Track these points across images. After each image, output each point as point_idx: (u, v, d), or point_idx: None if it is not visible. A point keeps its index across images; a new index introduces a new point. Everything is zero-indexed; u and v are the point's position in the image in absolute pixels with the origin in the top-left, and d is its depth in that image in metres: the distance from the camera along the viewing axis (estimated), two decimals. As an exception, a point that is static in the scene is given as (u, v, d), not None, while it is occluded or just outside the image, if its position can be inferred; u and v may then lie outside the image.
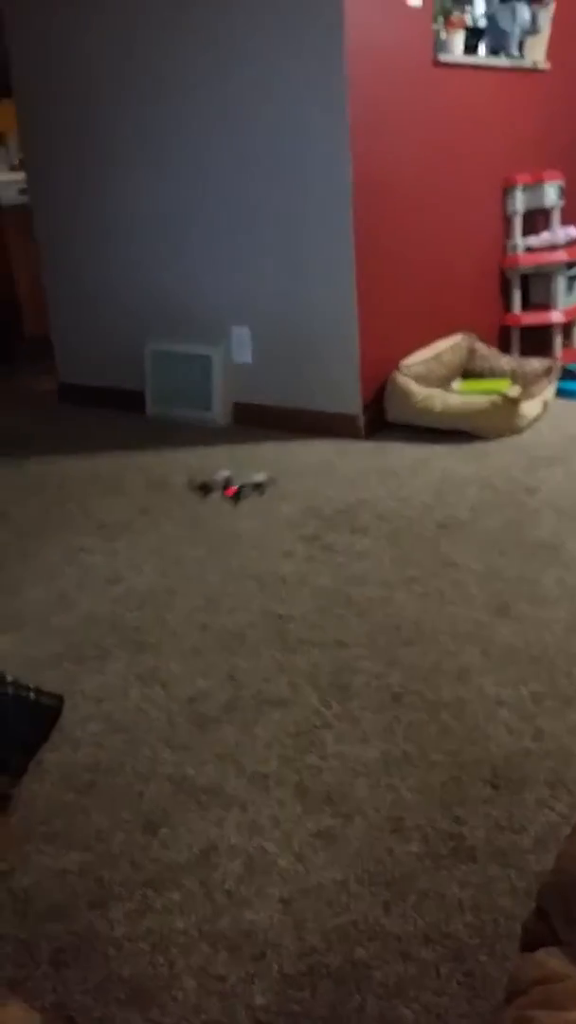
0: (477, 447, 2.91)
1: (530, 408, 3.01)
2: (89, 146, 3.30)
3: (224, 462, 2.95)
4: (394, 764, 1.50)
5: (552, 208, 3.71)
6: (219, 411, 3.33)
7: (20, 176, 4.22)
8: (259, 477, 2.71)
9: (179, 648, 1.89)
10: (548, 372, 3.24)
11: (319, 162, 2.80)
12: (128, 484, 2.83)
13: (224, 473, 2.74)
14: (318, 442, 3.09)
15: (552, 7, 3.48)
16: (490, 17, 3.36)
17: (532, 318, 3.67)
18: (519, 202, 3.55)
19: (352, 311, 2.93)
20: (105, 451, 3.15)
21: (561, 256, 3.55)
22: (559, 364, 3.37)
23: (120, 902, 1.28)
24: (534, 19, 3.43)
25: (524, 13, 3.37)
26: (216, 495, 2.66)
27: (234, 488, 2.65)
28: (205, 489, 2.68)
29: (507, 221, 3.60)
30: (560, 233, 3.63)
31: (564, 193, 3.76)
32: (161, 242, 3.29)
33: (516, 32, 3.36)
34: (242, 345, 3.23)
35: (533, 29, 3.44)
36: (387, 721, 1.61)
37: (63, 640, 1.95)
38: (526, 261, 3.59)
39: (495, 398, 2.92)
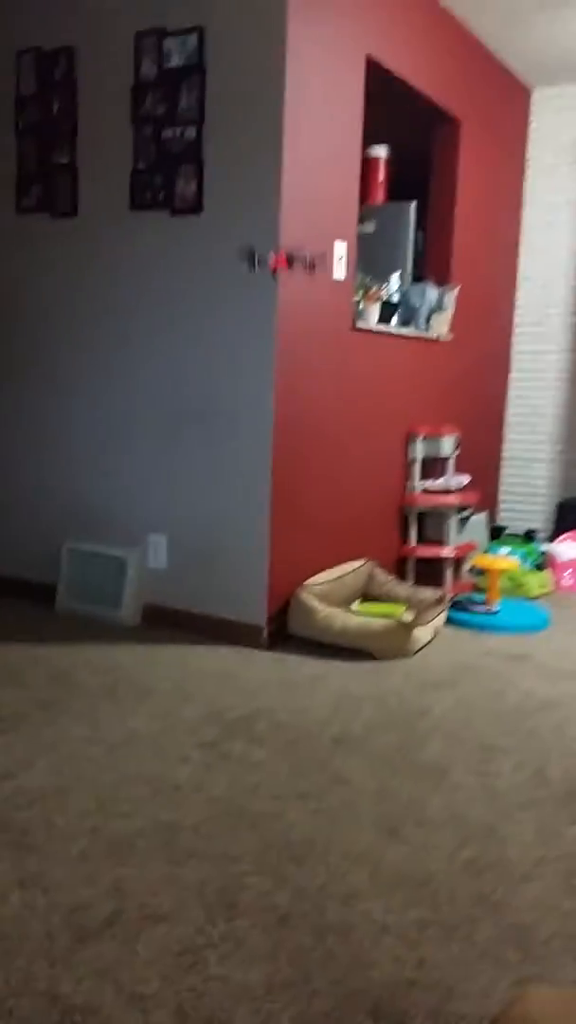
0: (372, 666, 3.04)
1: (422, 634, 3.20)
2: (27, 356, 3.55)
3: (128, 660, 2.98)
4: (277, 990, 1.48)
5: (448, 457, 4.12)
6: (129, 611, 3.40)
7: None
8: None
9: (66, 853, 1.85)
10: (439, 601, 3.47)
11: (246, 400, 3.10)
12: (29, 677, 2.82)
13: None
14: (223, 649, 3.18)
15: (456, 289, 4.06)
16: (403, 294, 3.89)
17: (426, 551, 3.97)
18: (419, 450, 3.95)
19: (265, 530, 3.13)
20: (9, 642, 3.14)
21: (453, 500, 3.91)
22: (449, 595, 3.62)
23: None
24: (441, 298, 3.98)
25: (432, 293, 3.92)
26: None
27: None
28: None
29: (408, 465, 3.98)
30: (453, 480, 4.03)
31: (459, 445, 4.21)
32: (89, 449, 3.48)
33: (424, 309, 3.88)
34: (158, 551, 3.37)
35: (439, 307, 3.98)
36: (272, 943, 1.60)
37: (-55, 836, 1.88)
38: (423, 501, 3.94)
39: (390, 622, 3.10)
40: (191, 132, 3.06)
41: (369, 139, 3.96)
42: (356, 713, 2.63)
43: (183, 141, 3.08)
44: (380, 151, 4.21)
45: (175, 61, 3.06)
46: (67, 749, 2.32)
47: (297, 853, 1.88)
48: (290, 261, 2.72)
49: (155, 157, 3.14)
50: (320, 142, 3.08)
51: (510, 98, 4.53)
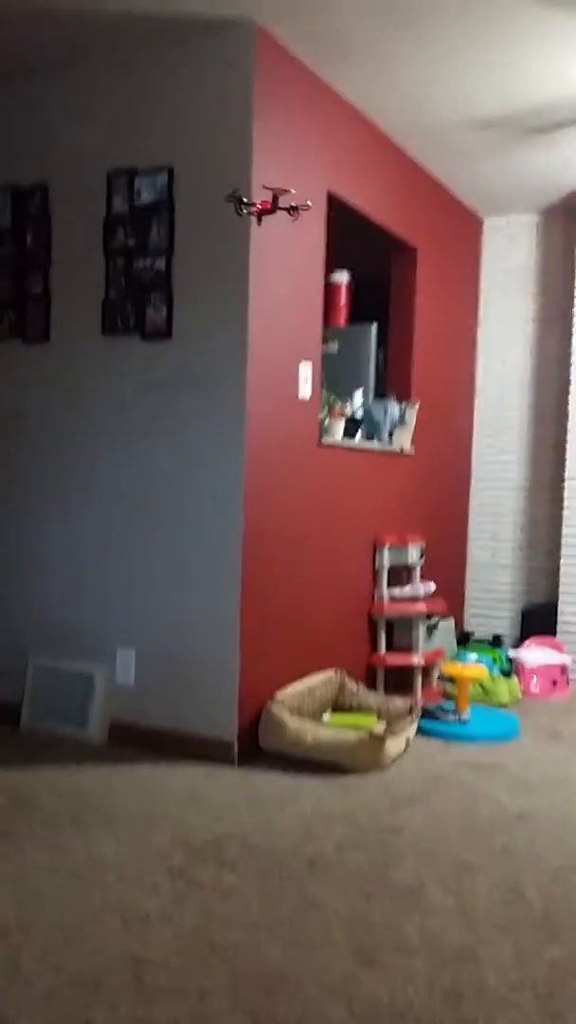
0: (344, 782, 3.01)
1: (394, 746, 3.18)
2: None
3: (93, 782, 2.93)
4: None
5: (414, 566, 4.20)
6: (95, 730, 3.35)
7: None
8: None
9: (30, 994, 1.78)
10: (411, 711, 3.47)
11: (215, 514, 3.16)
12: (-8, 800, 2.75)
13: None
14: (191, 767, 3.13)
15: (417, 405, 4.22)
16: (366, 410, 4.04)
17: (395, 659, 3.98)
18: (386, 559, 4.02)
19: (235, 642, 3.14)
20: (-29, 762, 3.07)
21: (421, 608, 3.96)
22: (420, 704, 3.62)
23: None
24: (402, 413, 4.14)
25: (394, 409, 4.07)
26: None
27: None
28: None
29: (376, 574, 4.04)
30: (420, 587, 4.09)
31: (424, 554, 4.29)
32: (58, 563, 3.50)
33: (387, 423, 4.02)
34: (127, 667, 3.36)
35: (401, 421, 4.13)
36: None
37: None
38: (391, 610, 3.98)
39: (363, 734, 3.09)
40: (160, 263, 3.22)
41: (331, 265, 4.19)
42: (328, 832, 2.60)
43: (153, 271, 3.24)
44: (342, 276, 4.43)
45: (145, 198, 3.25)
46: (30, 880, 2.25)
47: (271, 986, 1.83)
48: (274, 204, 2.85)
49: (126, 286, 3.29)
50: (285, 270, 3.25)
51: (463, 227, 4.82)
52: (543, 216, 4.92)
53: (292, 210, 2.92)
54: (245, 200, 2.93)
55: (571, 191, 4.56)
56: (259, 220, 2.99)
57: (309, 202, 3.18)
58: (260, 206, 2.93)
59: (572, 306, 4.68)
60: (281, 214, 3.00)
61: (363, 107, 3.66)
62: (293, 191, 3.03)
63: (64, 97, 3.40)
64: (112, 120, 3.30)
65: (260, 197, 3.00)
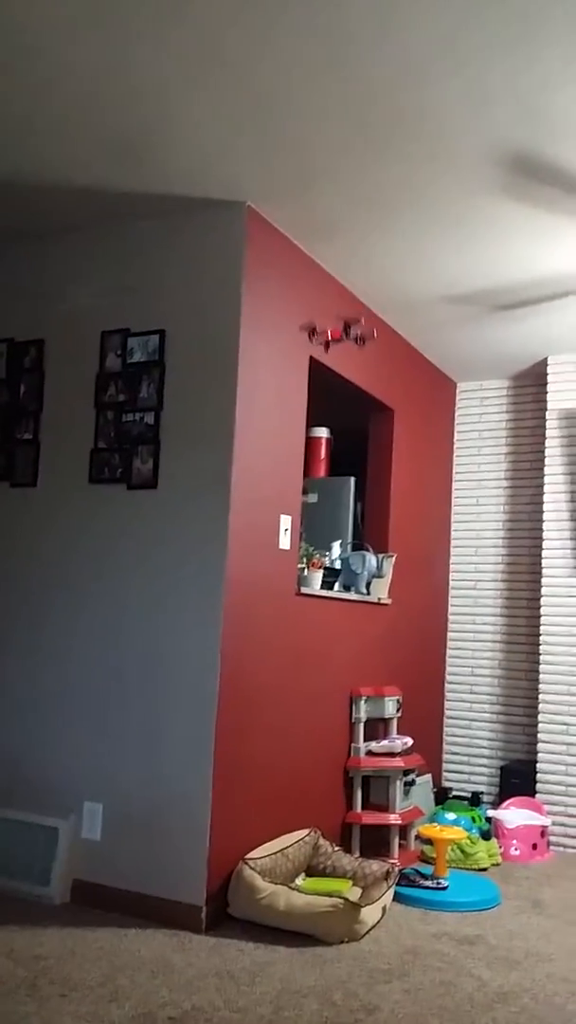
0: (318, 953, 2.86)
1: (370, 914, 3.04)
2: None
3: (54, 948, 2.76)
4: None
5: (391, 718, 4.15)
6: (57, 888, 3.18)
7: None
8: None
9: None
10: (387, 876, 3.34)
11: (190, 668, 3.14)
12: (-58, 969, 2.57)
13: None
14: (158, 932, 2.96)
15: (394, 557, 4.30)
16: (344, 560, 4.10)
17: (372, 818, 3.87)
18: (363, 711, 3.98)
19: (206, 800, 3.05)
20: None
21: (398, 763, 3.89)
22: (397, 867, 3.49)
23: None
24: (380, 565, 4.20)
25: (371, 560, 4.14)
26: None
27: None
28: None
29: (352, 726, 3.98)
30: (397, 741, 4.02)
31: (401, 706, 4.25)
32: (24, 713, 3.43)
33: (365, 574, 4.08)
34: (93, 821, 3.23)
35: (379, 573, 4.19)
36: None
37: None
38: (367, 764, 3.90)
39: (337, 901, 2.96)
40: (150, 417, 3.35)
41: (312, 421, 4.37)
42: (300, 1011, 2.44)
43: (142, 424, 3.36)
44: (322, 432, 4.61)
45: (137, 357, 3.41)
46: (-20, 1061, 2.09)
47: None
48: (344, 333, 3.31)
49: (114, 438, 3.41)
50: (268, 427, 3.39)
51: (438, 390, 5.07)
52: (513, 381, 5.19)
53: (359, 340, 3.22)
54: (317, 330, 3.16)
55: (539, 360, 4.84)
56: (327, 348, 3.23)
57: (375, 332, 3.56)
58: (331, 335, 3.17)
59: (542, 466, 4.87)
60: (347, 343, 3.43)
61: (344, 280, 3.93)
62: (363, 321, 3.31)
63: (62, 261, 3.62)
64: (107, 285, 3.52)
65: (331, 325, 3.32)
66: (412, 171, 2.96)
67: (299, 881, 3.34)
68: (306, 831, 3.50)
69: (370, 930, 3.06)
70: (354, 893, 3.24)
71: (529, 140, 2.74)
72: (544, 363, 4.85)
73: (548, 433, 4.78)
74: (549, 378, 4.80)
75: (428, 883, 3.51)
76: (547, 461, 4.77)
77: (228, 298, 3.25)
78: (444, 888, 3.49)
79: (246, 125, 2.76)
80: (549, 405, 4.79)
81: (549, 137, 2.72)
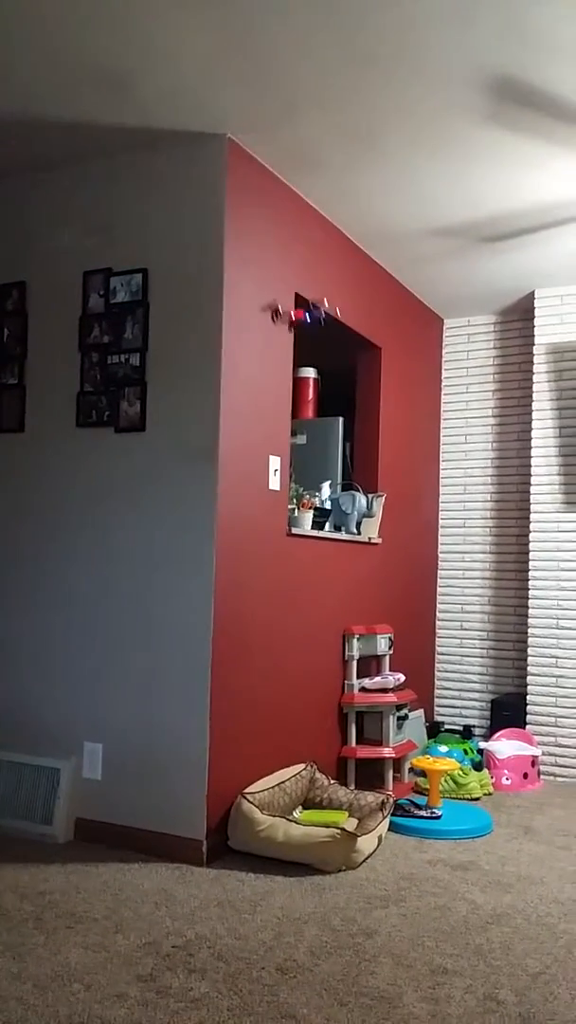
0: (316, 881, 2.94)
1: (366, 843, 3.12)
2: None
3: (59, 883, 2.82)
4: None
5: (383, 655, 4.20)
6: (60, 827, 3.24)
7: None
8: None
9: None
10: (382, 806, 3.41)
11: (184, 609, 3.16)
12: (-50, 906, 2.64)
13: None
14: (160, 866, 3.03)
15: (384, 497, 4.30)
16: (334, 501, 4.10)
17: (366, 751, 3.94)
18: (355, 649, 4.02)
19: (204, 737, 3.09)
20: None
21: (391, 698, 3.95)
22: (392, 798, 3.57)
23: None
24: (370, 505, 4.21)
25: (361, 500, 4.14)
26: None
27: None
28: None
29: (345, 664, 4.03)
30: (390, 677, 4.08)
31: (393, 643, 4.30)
32: (24, 656, 3.45)
33: (355, 515, 4.09)
34: (93, 761, 3.28)
35: (369, 512, 4.20)
36: None
37: None
38: (361, 700, 3.96)
39: (334, 831, 3.03)
40: (135, 359, 3.30)
41: (299, 362, 4.32)
42: (300, 937, 2.52)
43: (127, 366, 3.31)
44: (309, 372, 4.56)
45: (121, 297, 3.35)
46: (-9, 991, 2.15)
47: None
48: (307, 315, 3.44)
49: (100, 380, 3.36)
50: (254, 367, 3.35)
51: (425, 327, 5.02)
52: (501, 316, 5.14)
53: (322, 322, 3.45)
54: (281, 311, 3.23)
55: (526, 294, 4.78)
56: (291, 328, 3.25)
57: (338, 311, 3.68)
58: (295, 316, 3.27)
59: (530, 402, 4.85)
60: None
61: (329, 214, 3.85)
62: (325, 301, 3.55)
63: (42, 201, 3.53)
64: (88, 224, 3.43)
65: (295, 307, 3.43)
66: (397, 94, 2.88)
67: (296, 814, 3.42)
68: (302, 765, 3.56)
69: (367, 859, 3.15)
70: (350, 824, 3.32)
71: (514, 62, 2.67)
72: (531, 297, 4.80)
73: (536, 368, 4.75)
74: (536, 312, 4.76)
75: (422, 812, 3.60)
76: (535, 396, 4.75)
77: (210, 234, 3.19)
78: (438, 817, 3.58)
79: (226, 50, 2.66)
80: (537, 340, 4.76)
81: (533, 58, 2.65)
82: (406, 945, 2.48)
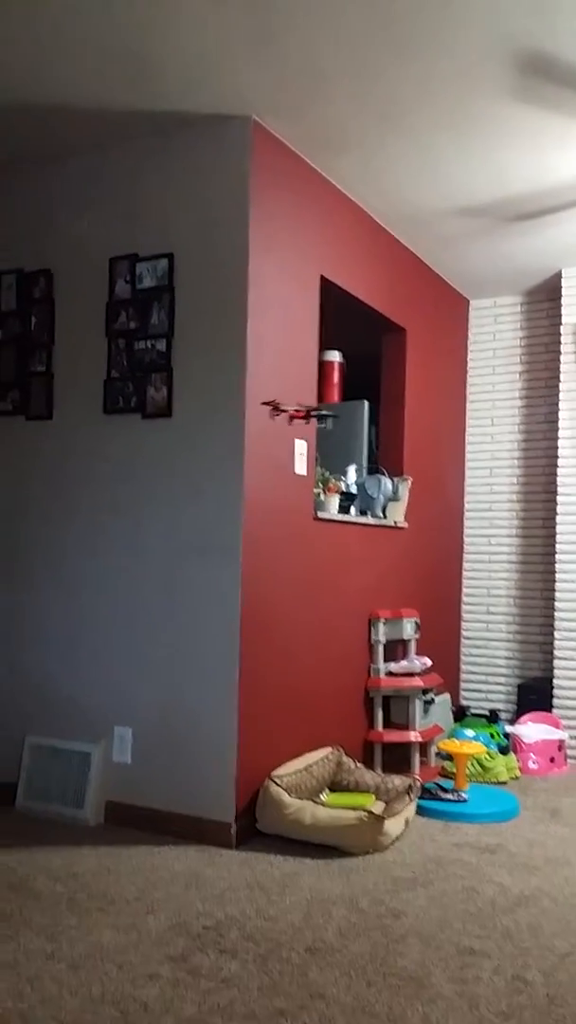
0: (344, 864, 2.96)
1: (393, 826, 3.13)
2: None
3: (90, 865, 2.87)
4: None
5: (409, 640, 4.20)
6: (91, 810, 3.29)
7: None
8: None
9: None
10: (409, 790, 3.43)
11: (212, 593, 3.18)
12: (-15, 885, 2.69)
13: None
14: (189, 849, 3.07)
15: (410, 481, 4.29)
16: (360, 485, 4.10)
17: (392, 736, 3.95)
18: (381, 633, 4.03)
19: (233, 719, 3.12)
20: (-37, 845, 3.01)
21: (417, 683, 3.95)
22: (419, 782, 3.58)
23: None
24: (396, 489, 4.20)
25: (387, 484, 4.13)
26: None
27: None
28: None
29: (371, 648, 4.04)
30: (416, 662, 4.08)
31: (419, 627, 4.30)
32: (55, 641, 3.49)
33: (381, 499, 4.08)
34: (123, 745, 3.32)
35: (395, 496, 4.19)
36: None
37: None
38: (387, 684, 3.97)
39: (362, 814, 3.05)
40: (161, 344, 3.31)
41: (324, 345, 4.31)
42: (329, 918, 2.55)
43: (154, 352, 3.32)
44: (335, 355, 4.55)
45: (147, 283, 3.35)
46: (28, 968, 2.19)
47: None
48: (307, 414, 3.42)
49: (127, 366, 3.38)
50: (280, 350, 3.35)
51: (451, 308, 4.98)
52: (527, 297, 5.08)
53: (322, 418, 3.56)
54: (281, 407, 3.28)
55: (553, 274, 4.72)
56: (290, 421, 3.33)
57: (337, 415, 3.93)
58: (293, 413, 3.30)
59: (558, 383, 4.81)
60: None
61: (355, 196, 3.82)
62: (323, 409, 3.72)
63: (66, 187, 3.54)
64: (114, 209, 3.43)
65: (293, 407, 3.39)
66: (423, 71, 2.84)
67: (323, 796, 3.44)
68: (329, 749, 3.59)
69: (394, 841, 3.16)
70: (378, 806, 3.34)
71: (544, 32, 2.62)
72: (558, 276, 4.74)
73: (563, 349, 4.70)
74: (564, 291, 4.70)
75: (449, 796, 3.61)
76: (563, 377, 4.70)
77: (235, 218, 3.17)
78: (464, 800, 3.59)
79: (250, 31, 2.64)
80: (564, 319, 4.70)
81: (560, 33, 2.60)
82: (434, 926, 2.50)
